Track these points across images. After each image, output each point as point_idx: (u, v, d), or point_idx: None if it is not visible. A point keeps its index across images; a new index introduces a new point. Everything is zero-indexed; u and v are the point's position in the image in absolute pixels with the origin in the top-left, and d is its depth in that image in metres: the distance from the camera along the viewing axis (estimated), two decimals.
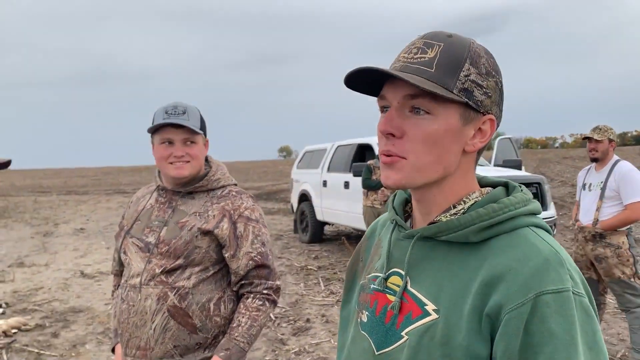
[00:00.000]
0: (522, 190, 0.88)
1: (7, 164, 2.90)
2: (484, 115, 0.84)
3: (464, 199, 0.87)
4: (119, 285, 1.95)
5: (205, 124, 1.85)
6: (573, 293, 0.74)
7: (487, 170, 7.45)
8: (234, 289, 1.82)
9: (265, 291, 1.80)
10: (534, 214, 0.85)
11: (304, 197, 9.72)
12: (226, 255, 1.77)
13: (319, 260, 8.13)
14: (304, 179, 9.87)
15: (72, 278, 7.45)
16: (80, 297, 6.38)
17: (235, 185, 1.92)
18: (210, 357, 1.73)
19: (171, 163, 1.76)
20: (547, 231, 0.85)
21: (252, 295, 1.79)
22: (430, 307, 0.82)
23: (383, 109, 0.86)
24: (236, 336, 1.72)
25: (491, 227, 0.82)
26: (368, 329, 0.91)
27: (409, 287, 0.86)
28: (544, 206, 6.81)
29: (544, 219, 6.57)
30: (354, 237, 9.73)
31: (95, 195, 24.68)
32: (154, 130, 1.78)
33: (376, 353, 0.87)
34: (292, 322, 5.22)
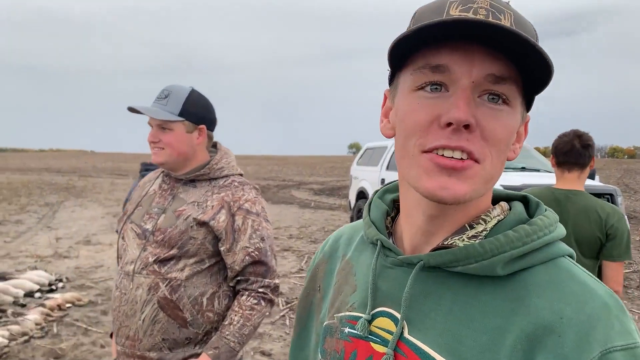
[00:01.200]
0: (546, 209, 0.67)
1: None
2: (527, 114, 0.66)
3: (482, 217, 0.66)
4: None
5: (197, 109, 1.74)
6: None
7: (553, 179, 7.01)
8: (231, 284, 1.74)
9: (261, 289, 1.71)
10: (561, 238, 0.66)
11: (362, 195, 9.59)
12: (222, 248, 1.70)
13: None
14: (362, 176, 9.74)
15: None
16: None
17: (241, 175, 1.84)
18: (200, 353, 1.66)
19: (152, 148, 1.73)
20: (574, 258, 0.66)
21: (247, 292, 1.71)
22: None
23: (428, 85, 0.60)
24: (227, 335, 1.65)
25: (523, 256, 0.62)
26: None
27: (406, 335, 0.64)
28: None
29: None
30: None
31: None
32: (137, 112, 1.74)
33: None
34: None
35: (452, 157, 0.59)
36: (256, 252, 1.70)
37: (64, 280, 6.28)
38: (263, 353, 4.22)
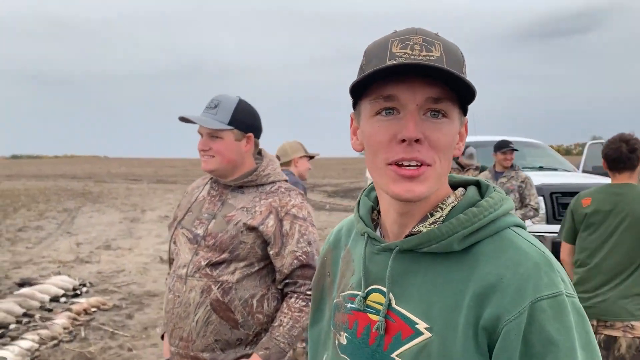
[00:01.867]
0: (495, 190, 0.83)
1: None
2: (465, 117, 0.82)
3: (440, 206, 0.82)
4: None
5: (245, 118, 1.81)
6: (566, 295, 0.72)
7: (576, 177, 6.99)
8: (279, 287, 1.80)
9: (309, 292, 1.76)
10: (510, 212, 0.82)
11: None
12: (271, 252, 1.76)
13: None
14: None
15: (151, 263, 7.84)
16: (156, 281, 6.68)
17: (286, 181, 1.89)
18: (251, 354, 1.72)
19: (202, 156, 1.79)
20: (524, 228, 0.81)
21: (295, 295, 1.77)
22: (421, 325, 0.77)
23: (382, 111, 0.77)
24: (277, 336, 1.71)
25: (474, 233, 0.78)
26: (350, 351, 0.85)
27: (393, 305, 0.80)
28: None
29: None
30: None
31: (182, 185, 25.83)
32: (187, 121, 1.80)
33: None
34: None
35: (410, 167, 0.75)
36: (304, 256, 1.76)
37: (88, 285, 6.39)
38: None
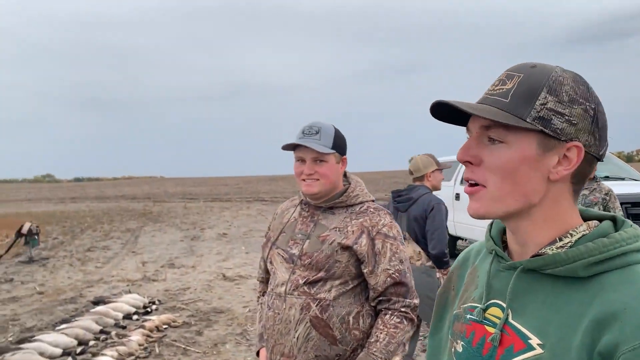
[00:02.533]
0: (631, 226, 0.85)
1: None
2: (567, 142, 0.83)
3: (570, 232, 0.85)
4: (263, 292, 2.10)
5: (341, 142, 1.91)
6: None
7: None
8: (372, 304, 1.86)
9: (403, 309, 1.83)
10: None
11: None
12: (365, 270, 1.82)
13: None
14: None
15: (214, 280, 8.04)
16: (221, 298, 6.85)
17: (373, 201, 1.96)
18: None
19: (303, 180, 1.86)
20: None
21: (390, 312, 1.82)
22: (534, 341, 0.80)
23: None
24: (374, 351, 1.76)
25: (601, 262, 0.80)
26: (464, 359, 0.91)
27: (510, 320, 0.85)
28: None
29: None
30: None
31: (237, 203, 26.36)
32: (293, 148, 1.89)
33: None
34: (421, 338, 5.14)
35: (469, 187, 0.85)
36: (397, 274, 1.82)
37: (157, 302, 6.62)
38: None
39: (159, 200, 30.79)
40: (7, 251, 10.63)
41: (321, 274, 1.80)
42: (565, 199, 0.85)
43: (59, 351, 4.71)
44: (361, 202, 1.92)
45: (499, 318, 0.86)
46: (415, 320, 1.87)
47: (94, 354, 4.70)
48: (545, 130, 0.81)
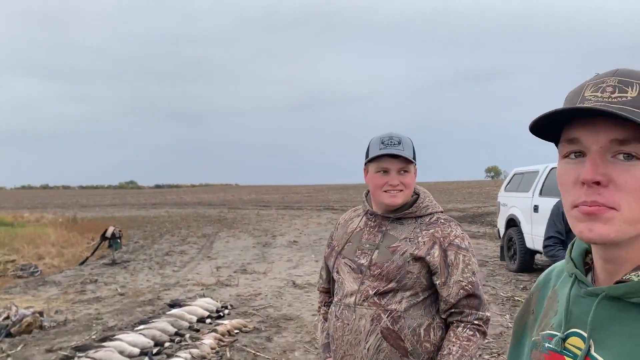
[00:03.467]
0: None
1: None
2: None
3: None
4: (324, 302, 2.08)
5: (415, 153, 1.89)
6: None
7: None
8: (443, 316, 1.82)
9: (476, 322, 1.78)
10: None
11: (512, 222, 9.17)
12: (437, 282, 1.79)
13: (528, 291, 7.56)
14: (512, 203, 9.32)
15: (285, 287, 8.13)
16: (291, 305, 6.91)
17: (442, 212, 1.92)
18: None
19: (386, 191, 1.83)
20: None
21: (462, 324, 1.78)
22: None
23: (571, 154, 0.77)
24: None
25: None
26: None
27: (592, 352, 0.77)
28: None
29: None
30: None
31: (307, 211, 26.64)
32: (372, 159, 1.86)
33: None
34: (495, 354, 4.94)
35: (592, 206, 0.72)
36: (469, 286, 1.77)
37: (229, 307, 6.77)
38: None
39: (234, 207, 31.67)
40: (92, 253, 11.29)
41: (392, 285, 1.78)
42: None
43: (137, 351, 4.92)
44: (431, 213, 1.88)
45: (579, 349, 0.79)
46: (487, 333, 1.81)
47: (169, 355, 4.87)
48: None
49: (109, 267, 10.49)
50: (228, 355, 4.99)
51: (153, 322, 5.81)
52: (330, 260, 1.98)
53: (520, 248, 8.84)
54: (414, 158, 1.86)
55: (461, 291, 1.76)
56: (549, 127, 0.79)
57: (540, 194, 8.35)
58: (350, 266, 1.87)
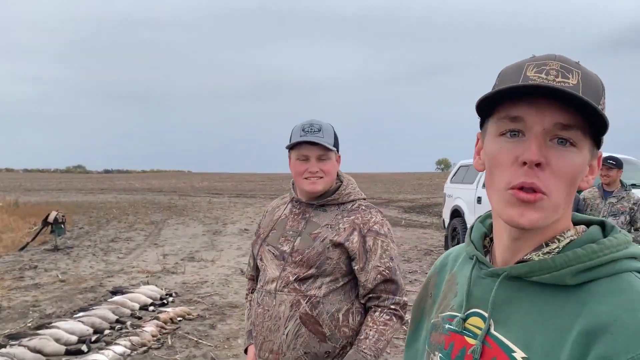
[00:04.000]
0: (620, 231, 0.80)
1: None
2: (598, 150, 0.79)
3: (557, 237, 0.79)
4: (252, 289, 2.09)
5: (338, 140, 1.91)
6: None
7: None
8: (362, 301, 1.85)
9: (392, 306, 1.82)
10: (635, 257, 0.77)
11: (457, 213, 9.43)
12: (356, 267, 1.82)
13: None
14: (457, 194, 9.58)
15: (232, 275, 8.10)
16: (237, 293, 6.90)
17: (365, 199, 1.95)
18: None
19: (306, 178, 1.85)
20: None
21: (379, 309, 1.82)
22: (519, 354, 0.75)
23: (508, 132, 0.76)
24: (363, 348, 1.75)
25: (590, 269, 0.74)
26: None
27: (492, 331, 0.79)
28: None
29: None
30: None
31: (261, 199, 26.53)
32: (292, 146, 1.88)
33: None
34: None
35: (528, 193, 0.73)
36: (387, 271, 1.81)
37: (174, 295, 6.69)
38: None
39: (185, 194, 31.18)
40: (33, 239, 10.90)
41: (312, 271, 1.80)
42: (570, 206, 0.80)
43: (74, 338, 4.81)
44: (353, 200, 1.91)
45: (480, 328, 0.81)
46: (405, 317, 1.86)
47: (108, 343, 4.78)
48: (600, 136, 0.77)
49: (50, 253, 10.16)
50: (170, 342, 4.94)
51: (93, 309, 5.68)
52: (255, 247, 1.99)
53: (463, 238, 9.10)
54: (336, 145, 1.88)
55: (379, 276, 1.80)
56: (490, 103, 0.78)
57: (484, 186, 8.59)
58: (273, 253, 1.89)
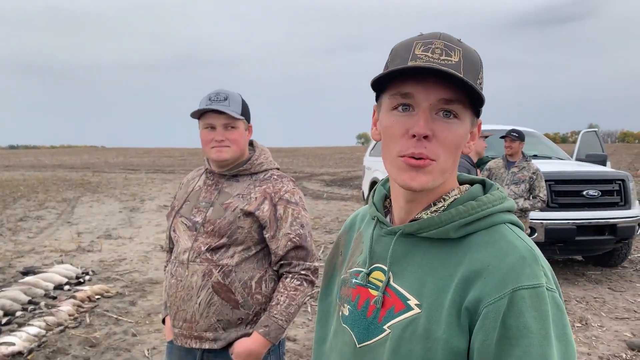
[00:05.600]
0: (498, 189, 0.92)
1: None
2: (478, 119, 0.90)
3: (443, 197, 0.90)
4: (169, 261, 2.11)
5: (248, 109, 1.94)
6: (546, 289, 0.78)
7: (569, 165, 7.13)
8: (274, 268, 1.91)
9: (303, 272, 1.88)
10: (509, 211, 0.90)
11: (375, 185, 9.71)
12: (266, 235, 1.87)
13: None
14: (375, 167, 9.87)
15: (152, 252, 7.95)
16: (158, 269, 6.80)
17: (278, 169, 2.01)
18: (251, 332, 1.84)
19: (213, 147, 1.87)
20: (521, 228, 0.89)
21: (290, 275, 1.88)
22: (412, 301, 0.85)
23: (400, 106, 0.85)
24: (275, 314, 1.82)
25: (470, 223, 0.86)
26: (350, 322, 0.95)
27: (391, 283, 0.89)
28: (627, 204, 6.42)
29: (627, 218, 6.20)
30: None
31: (180, 175, 25.89)
32: (199, 115, 1.89)
33: (357, 346, 0.91)
34: None
35: (417, 160, 0.83)
36: (297, 238, 1.87)
37: (90, 273, 6.49)
38: (288, 339, 4.40)
39: (99, 171, 29.84)
40: None
41: (224, 240, 1.83)
42: (456, 169, 0.91)
43: None
44: (265, 170, 1.95)
45: (381, 281, 0.90)
46: (316, 282, 1.95)
47: (20, 325, 4.60)
48: (479, 108, 0.86)
49: None
50: (88, 321, 4.83)
51: (3, 291, 5.41)
52: (169, 219, 2.01)
53: None
54: (245, 115, 1.91)
55: (289, 243, 1.86)
56: (383, 80, 0.86)
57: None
58: (186, 224, 1.91)
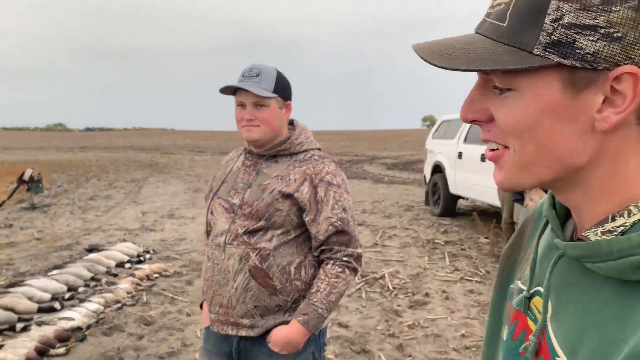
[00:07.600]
0: None
1: None
2: (611, 70, 0.51)
3: (630, 208, 0.55)
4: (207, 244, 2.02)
5: (284, 85, 1.81)
6: None
7: None
8: (315, 254, 1.80)
9: (345, 258, 1.76)
10: None
11: (438, 169, 9.40)
12: (306, 219, 1.75)
13: (448, 234, 7.85)
14: (438, 150, 9.53)
15: None
16: None
17: (319, 149, 1.88)
18: (290, 320, 1.73)
19: (243, 126, 1.78)
20: None
21: (332, 261, 1.76)
22: None
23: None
24: (315, 302, 1.71)
25: None
26: (504, 351, 0.70)
27: (547, 322, 0.61)
28: None
29: None
30: (490, 213, 9.23)
31: None
32: (233, 92, 1.79)
33: None
34: (410, 294, 5.11)
35: (489, 150, 0.61)
36: (339, 222, 1.74)
37: (151, 252, 6.63)
38: (340, 325, 4.28)
39: (167, 152, 30.87)
40: (9, 197, 10.70)
41: (261, 223, 1.73)
42: (631, 155, 0.54)
43: (47, 296, 4.74)
44: (306, 150, 1.83)
45: (539, 313, 0.63)
46: (359, 270, 1.81)
47: (82, 300, 4.72)
48: (566, 61, 0.52)
49: (27, 211, 10.00)
50: (145, 299, 4.90)
51: (68, 267, 5.60)
52: (207, 201, 1.93)
53: (444, 193, 9.11)
54: (279, 91, 1.78)
55: (330, 227, 1.73)
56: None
57: (465, 140, 8.56)
58: (223, 206, 1.82)
